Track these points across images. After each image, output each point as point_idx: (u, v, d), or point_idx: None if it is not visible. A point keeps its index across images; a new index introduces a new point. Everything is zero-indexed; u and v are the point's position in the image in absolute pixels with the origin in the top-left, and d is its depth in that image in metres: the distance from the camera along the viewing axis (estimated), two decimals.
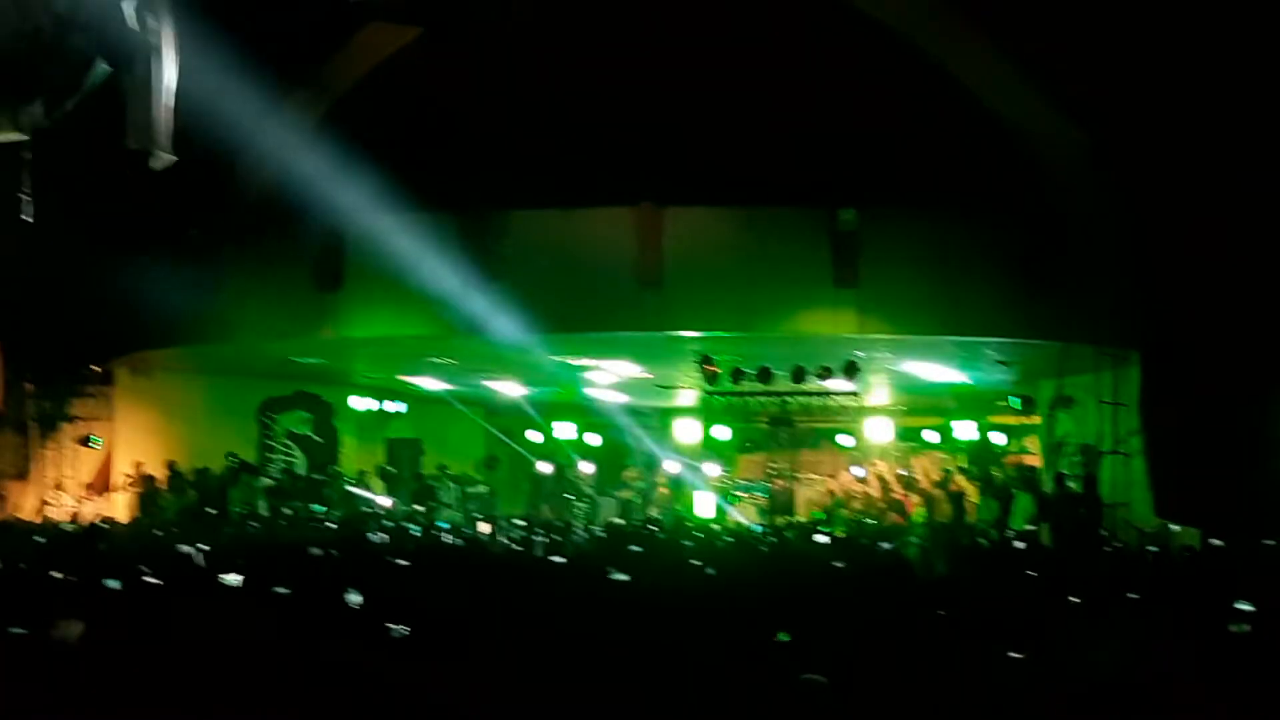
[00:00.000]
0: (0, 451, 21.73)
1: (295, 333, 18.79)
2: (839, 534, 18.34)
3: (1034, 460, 22.24)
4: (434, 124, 17.40)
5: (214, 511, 19.80)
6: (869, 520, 20.64)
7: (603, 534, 16.92)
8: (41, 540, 14.93)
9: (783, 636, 7.08)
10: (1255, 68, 14.10)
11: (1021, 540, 15.77)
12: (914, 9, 18.26)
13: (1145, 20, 14.53)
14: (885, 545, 14.79)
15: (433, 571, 11.52)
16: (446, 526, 18.77)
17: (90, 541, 14.64)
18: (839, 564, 11.89)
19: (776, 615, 7.45)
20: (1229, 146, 14.59)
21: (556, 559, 12.49)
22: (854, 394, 19.23)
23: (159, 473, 21.58)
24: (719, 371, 18.77)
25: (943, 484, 21.67)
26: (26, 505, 21.14)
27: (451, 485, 24.13)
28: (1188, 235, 15.24)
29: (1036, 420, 21.82)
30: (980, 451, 23.88)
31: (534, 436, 26.69)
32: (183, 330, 19.04)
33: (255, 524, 18.26)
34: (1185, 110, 14.75)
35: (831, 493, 22.03)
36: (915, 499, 21.11)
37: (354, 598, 8.53)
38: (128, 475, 21.59)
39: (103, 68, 7.97)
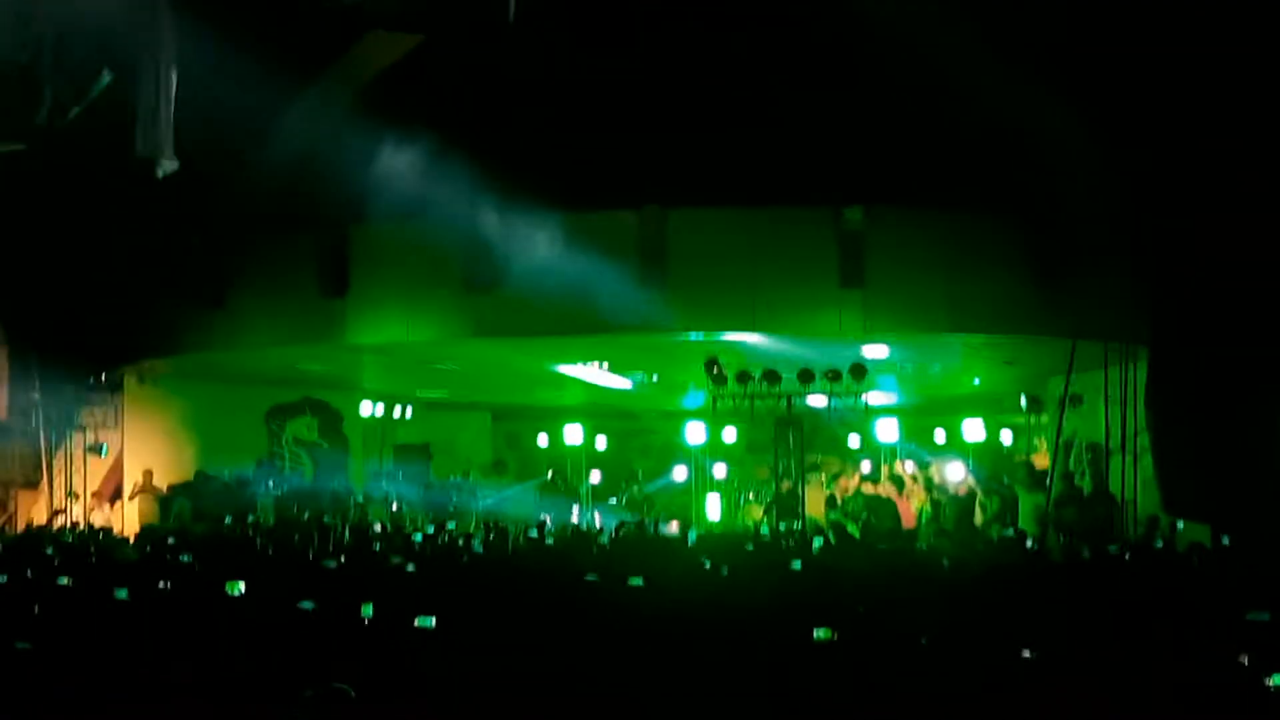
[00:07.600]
0: (9, 460, 21.75)
1: (301, 339, 18.74)
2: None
3: (1042, 459, 22.15)
4: (435, 128, 17.37)
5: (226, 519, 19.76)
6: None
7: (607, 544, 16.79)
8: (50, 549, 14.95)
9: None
10: (1263, 64, 14.06)
11: (1032, 541, 15.74)
12: (919, 8, 18.22)
13: (1153, 16, 14.50)
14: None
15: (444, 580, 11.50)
16: (452, 527, 18.77)
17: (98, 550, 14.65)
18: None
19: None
20: (1237, 141, 14.55)
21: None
22: (861, 394, 19.16)
23: (170, 479, 21.58)
24: (725, 374, 18.73)
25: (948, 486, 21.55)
26: (36, 514, 21.17)
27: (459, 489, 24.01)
28: (1196, 230, 15.19)
29: (1044, 419, 21.72)
30: (988, 451, 23.81)
31: (542, 440, 26.68)
32: (190, 337, 19.04)
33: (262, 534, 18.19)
34: (1194, 104, 14.71)
35: (834, 495, 21.90)
36: (916, 500, 20.98)
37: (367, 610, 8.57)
38: (136, 482, 21.58)
39: (106, 77, 7.99)
